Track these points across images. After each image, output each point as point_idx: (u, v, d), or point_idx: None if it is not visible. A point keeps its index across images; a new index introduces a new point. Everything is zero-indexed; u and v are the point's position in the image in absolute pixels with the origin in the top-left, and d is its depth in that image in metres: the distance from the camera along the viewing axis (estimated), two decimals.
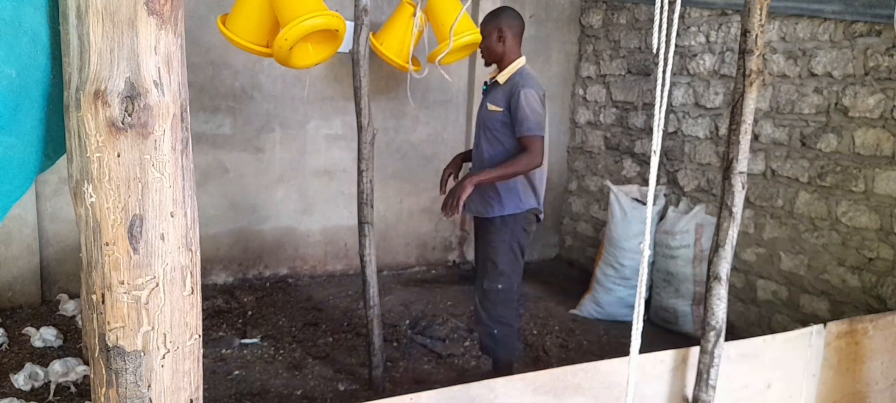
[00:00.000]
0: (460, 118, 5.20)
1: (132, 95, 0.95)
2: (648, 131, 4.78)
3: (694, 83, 4.35)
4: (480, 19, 4.91)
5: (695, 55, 4.33)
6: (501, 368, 3.04)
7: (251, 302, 4.26)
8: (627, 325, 3.95)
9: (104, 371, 1.02)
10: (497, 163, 2.87)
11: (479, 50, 3.10)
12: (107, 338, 1.00)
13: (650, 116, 4.71)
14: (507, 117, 2.86)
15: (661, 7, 1.36)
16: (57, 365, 2.95)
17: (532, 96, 2.80)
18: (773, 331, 3.18)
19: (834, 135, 3.53)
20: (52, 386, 2.94)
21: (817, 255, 3.63)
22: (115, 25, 0.93)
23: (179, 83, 1.01)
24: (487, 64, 3.06)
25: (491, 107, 2.94)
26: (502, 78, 2.95)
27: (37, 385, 2.98)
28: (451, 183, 3.08)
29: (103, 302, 0.99)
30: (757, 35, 1.94)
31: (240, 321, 3.96)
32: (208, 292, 4.32)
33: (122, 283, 0.99)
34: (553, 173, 5.58)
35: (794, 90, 3.72)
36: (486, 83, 3.11)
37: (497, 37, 2.95)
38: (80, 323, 3.63)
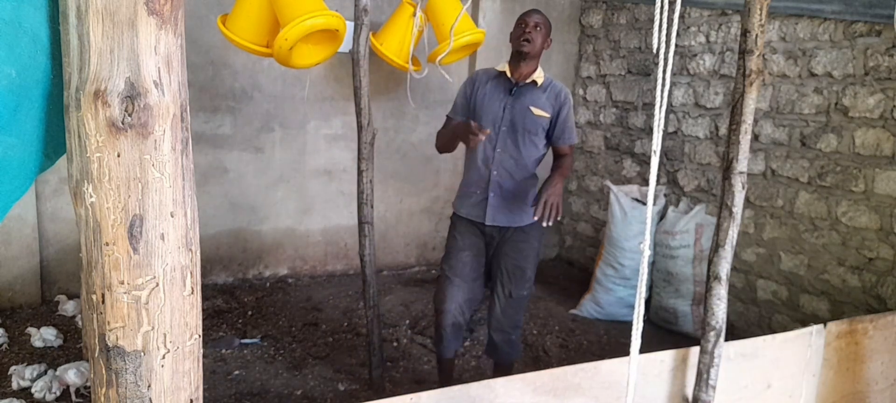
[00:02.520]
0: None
1: (132, 95, 0.95)
2: (648, 131, 4.78)
3: (694, 83, 4.35)
4: (480, 19, 4.94)
5: (695, 55, 4.33)
6: (505, 370, 3.02)
7: (251, 302, 4.26)
8: (627, 325, 3.95)
9: (104, 371, 1.02)
10: (527, 172, 2.84)
11: (524, 41, 2.71)
12: (107, 338, 1.00)
13: (650, 116, 4.71)
14: (548, 123, 2.79)
15: (661, 7, 1.36)
16: (71, 374, 2.94)
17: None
18: (773, 331, 3.18)
19: (834, 135, 3.53)
20: (72, 391, 2.93)
21: (817, 255, 3.63)
22: (115, 25, 0.93)
23: (179, 83, 1.01)
24: (528, 58, 2.75)
25: (536, 111, 2.77)
26: (539, 79, 2.78)
27: (23, 384, 2.98)
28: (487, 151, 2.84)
29: (103, 302, 0.99)
30: (757, 35, 1.94)
31: (240, 321, 3.96)
32: (208, 292, 4.32)
33: (122, 283, 0.99)
34: None
35: (794, 90, 3.72)
36: (514, 82, 2.80)
37: (548, 37, 2.80)
38: (80, 322, 3.63)
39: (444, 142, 2.88)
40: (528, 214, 2.82)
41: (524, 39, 2.70)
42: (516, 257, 2.84)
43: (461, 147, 2.97)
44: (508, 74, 2.80)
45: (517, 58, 2.77)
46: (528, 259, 2.85)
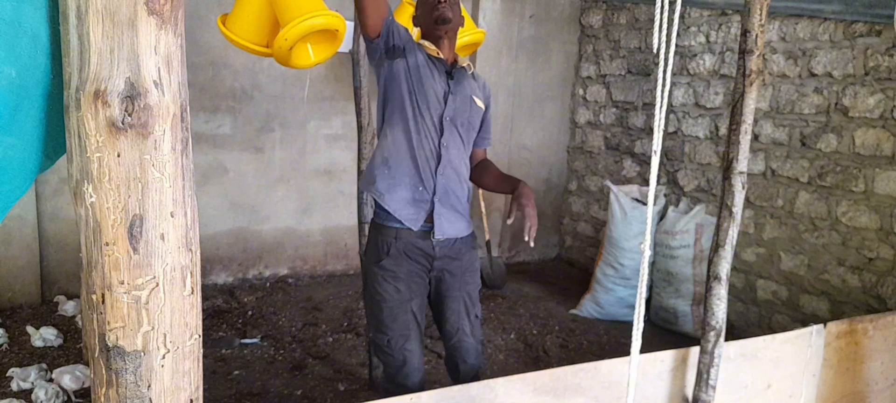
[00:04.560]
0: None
1: (132, 95, 0.95)
2: (648, 131, 4.78)
3: (694, 83, 4.35)
4: (480, 19, 4.94)
5: (695, 55, 4.33)
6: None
7: (251, 302, 4.26)
8: (627, 325, 3.95)
9: (104, 371, 1.02)
10: (469, 172, 2.38)
11: (442, 21, 2.23)
12: (107, 338, 1.00)
13: (650, 116, 4.71)
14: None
15: (661, 7, 1.36)
16: (66, 379, 2.92)
17: None
18: (773, 331, 3.18)
19: (834, 135, 3.53)
20: (71, 394, 2.92)
21: (817, 255, 3.63)
22: (115, 25, 0.93)
23: (179, 83, 1.01)
24: (450, 34, 2.28)
25: (477, 100, 2.31)
26: (466, 65, 2.36)
27: (25, 386, 2.97)
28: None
29: (103, 302, 0.99)
30: (757, 35, 1.94)
31: (240, 321, 3.96)
32: (208, 292, 4.32)
33: (122, 283, 0.99)
34: (553, 173, 5.58)
35: (794, 90, 3.72)
36: (449, 65, 2.29)
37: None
38: (80, 322, 3.63)
39: None
40: (470, 223, 2.38)
41: (442, 7, 2.19)
42: (474, 277, 2.40)
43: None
44: (439, 55, 2.25)
45: (435, 34, 2.25)
46: (477, 272, 2.44)
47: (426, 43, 2.27)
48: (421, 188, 2.23)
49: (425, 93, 2.20)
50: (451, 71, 2.28)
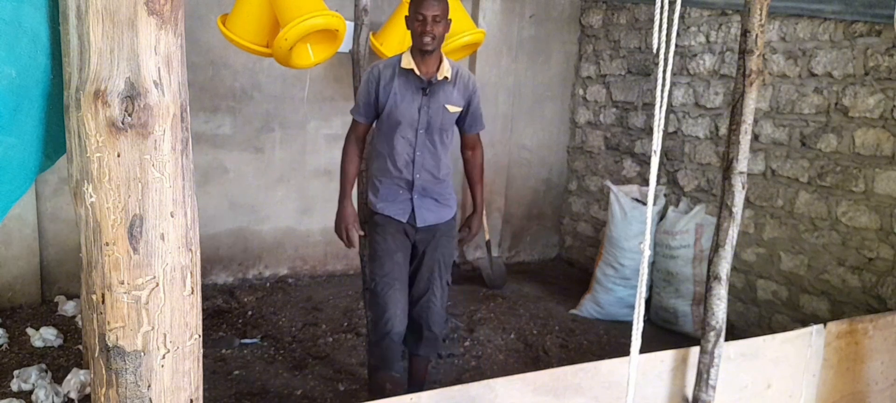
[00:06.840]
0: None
1: (132, 95, 0.95)
2: (648, 131, 4.78)
3: (694, 83, 4.35)
4: (480, 19, 4.94)
5: (695, 55, 4.33)
6: (425, 366, 2.96)
7: (251, 302, 4.26)
8: (627, 325, 3.94)
9: (104, 371, 1.02)
10: (447, 168, 2.75)
11: (427, 38, 2.50)
12: (107, 338, 1.00)
13: (650, 116, 4.71)
14: (458, 115, 2.72)
15: (661, 7, 1.36)
16: (81, 376, 2.92)
17: None
18: (773, 331, 3.18)
19: (834, 135, 3.53)
20: (74, 394, 2.91)
21: (817, 255, 3.63)
22: (115, 25, 0.93)
23: (179, 83, 1.01)
24: (429, 52, 2.54)
25: (451, 108, 2.64)
26: (448, 73, 2.61)
27: (26, 387, 2.96)
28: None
29: (103, 302, 0.99)
30: (757, 35, 1.94)
31: (240, 321, 3.96)
32: (208, 292, 4.32)
33: (122, 283, 0.99)
34: (553, 173, 5.59)
35: (794, 90, 3.72)
36: (426, 80, 2.59)
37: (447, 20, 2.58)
38: (80, 322, 3.63)
39: (341, 177, 2.79)
40: (452, 207, 2.80)
41: (426, 38, 2.47)
42: (448, 246, 2.81)
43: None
44: (417, 72, 2.58)
45: (418, 49, 2.55)
46: (452, 252, 2.86)
47: (407, 58, 2.59)
48: (401, 193, 2.70)
49: (400, 117, 2.61)
50: (426, 87, 2.60)
